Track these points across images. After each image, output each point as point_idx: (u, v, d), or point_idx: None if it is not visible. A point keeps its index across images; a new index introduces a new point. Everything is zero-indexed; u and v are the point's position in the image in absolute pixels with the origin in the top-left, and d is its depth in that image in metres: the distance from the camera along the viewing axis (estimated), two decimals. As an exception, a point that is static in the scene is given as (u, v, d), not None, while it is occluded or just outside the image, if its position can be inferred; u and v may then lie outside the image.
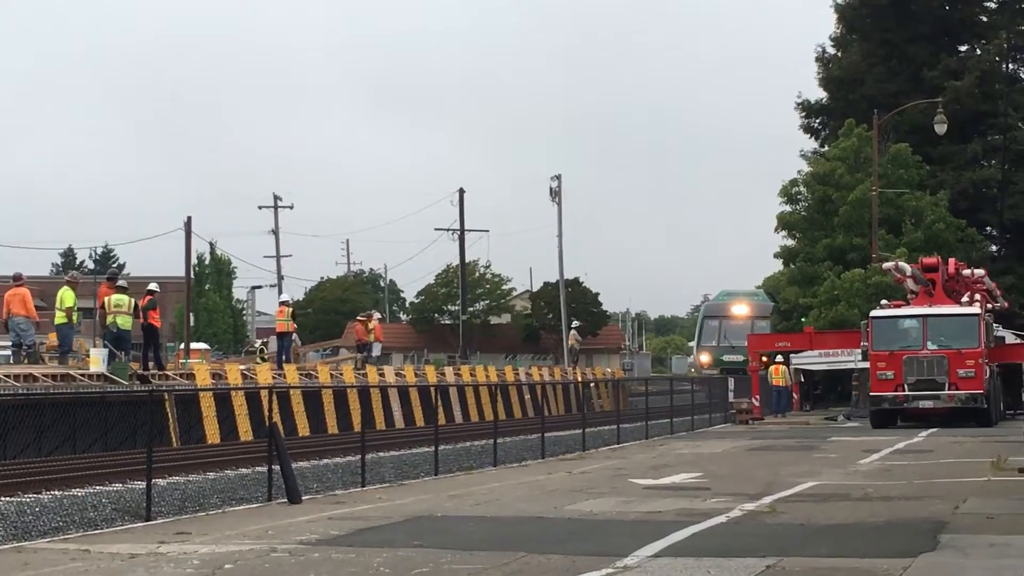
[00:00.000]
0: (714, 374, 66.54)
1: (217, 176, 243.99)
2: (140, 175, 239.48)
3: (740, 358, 69.74)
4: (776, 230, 70.16)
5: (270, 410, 22.97)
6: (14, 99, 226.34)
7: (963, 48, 77.97)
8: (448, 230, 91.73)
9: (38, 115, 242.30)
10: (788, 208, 69.86)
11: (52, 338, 40.68)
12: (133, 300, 38.69)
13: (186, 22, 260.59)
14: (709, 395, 52.69)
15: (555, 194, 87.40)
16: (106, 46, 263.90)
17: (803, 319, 67.64)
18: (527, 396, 61.53)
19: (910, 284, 49.37)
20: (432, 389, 38.12)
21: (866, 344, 46.38)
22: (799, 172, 72.75)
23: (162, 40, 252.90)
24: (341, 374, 48.67)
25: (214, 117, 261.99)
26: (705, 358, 74.24)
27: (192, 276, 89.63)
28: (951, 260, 52.31)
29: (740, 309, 74.65)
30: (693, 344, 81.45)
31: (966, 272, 52.81)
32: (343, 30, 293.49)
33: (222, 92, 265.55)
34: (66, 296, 37.25)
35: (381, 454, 32.51)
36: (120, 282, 39.80)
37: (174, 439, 35.00)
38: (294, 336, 54.18)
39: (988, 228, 75.14)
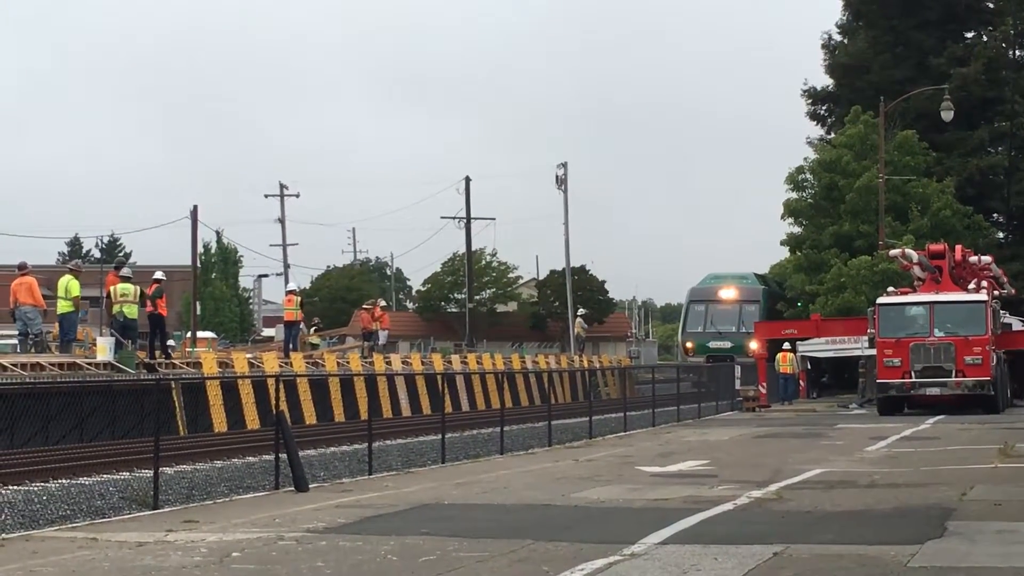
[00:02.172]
0: (700, 362, 65.29)
1: (223, 165, 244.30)
2: (146, 164, 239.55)
3: (727, 344, 68.76)
4: (783, 217, 70.11)
5: (277, 398, 22.98)
6: (21, 91, 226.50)
7: (969, 35, 77.76)
8: (454, 218, 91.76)
9: (45, 106, 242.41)
10: (795, 195, 69.73)
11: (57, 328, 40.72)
12: (139, 289, 38.75)
13: (195, 12, 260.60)
14: (715, 383, 52.67)
15: (561, 182, 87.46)
16: (114, 37, 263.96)
17: (799, 304, 67.52)
18: (533, 384, 61.57)
19: (917, 271, 49.33)
20: (438, 377, 38.18)
21: (873, 331, 46.35)
22: (805, 159, 72.54)
23: (170, 31, 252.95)
24: (348, 362, 48.70)
25: (220, 106, 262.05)
26: (691, 345, 71.70)
27: (198, 265, 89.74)
28: (958, 247, 52.26)
29: (728, 293, 72.02)
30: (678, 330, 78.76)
31: (973, 259, 52.77)
32: (351, 21, 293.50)
33: (229, 82, 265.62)
34: (72, 285, 37.31)
35: (388, 442, 32.58)
36: (125, 271, 39.82)
37: (181, 427, 35.07)
38: (301, 325, 54.35)
39: (995, 215, 75.04)
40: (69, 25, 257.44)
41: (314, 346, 63.52)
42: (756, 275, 76.53)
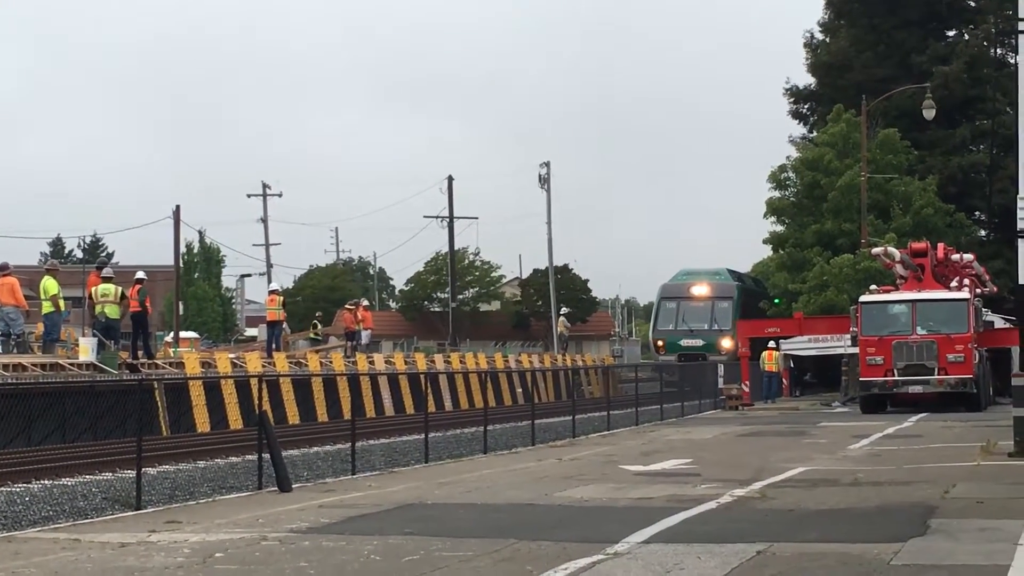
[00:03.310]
0: (671, 360, 64.52)
1: (206, 165, 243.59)
2: (129, 164, 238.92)
3: (700, 342, 67.79)
4: (765, 216, 70.17)
5: (260, 398, 22.95)
6: (6, 91, 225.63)
7: (951, 33, 77.95)
8: (437, 218, 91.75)
9: (27, 107, 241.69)
10: (777, 194, 69.84)
11: (39, 328, 40.64)
12: (120, 289, 38.66)
13: (178, 14, 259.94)
14: (698, 381, 52.71)
15: (544, 181, 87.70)
16: (99, 37, 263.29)
17: (776, 301, 67.52)
18: (517, 383, 61.57)
19: (899, 269, 49.44)
20: (422, 377, 38.21)
21: (855, 329, 46.46)
22: (788, 158, 72.78)
23: (154, 32, 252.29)
24: (331, 362, 48.66)
25: (202, 106, 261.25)
26: (662, 343, 70.14)
27: (181, 265, 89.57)
28: (940, 245, 52.38)
29: (700, 290, 70.47)
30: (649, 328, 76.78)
31: (955, 257, 52.90)
32: (336, 21, 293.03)
33: (213, 82, 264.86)
34: (49, 285, 37.25)
35: (371, 442, 32.54)
36: (106, 272, 39.74)
37: (164, 428, 35.00)
38: (285, 325, 54.35)
39: (977, 213, 75.14)
40: (52, 24, 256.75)
41: (316, 340, 63.74)
42: (730, 271, 75.63)
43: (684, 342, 68.87)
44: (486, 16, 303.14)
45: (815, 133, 75.43)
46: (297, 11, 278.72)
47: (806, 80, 79.80)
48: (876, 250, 51.44)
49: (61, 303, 38.17)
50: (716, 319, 68.50)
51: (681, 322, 70.02)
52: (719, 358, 62.09)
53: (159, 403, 35.09)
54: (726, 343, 65.85)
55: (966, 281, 50.23)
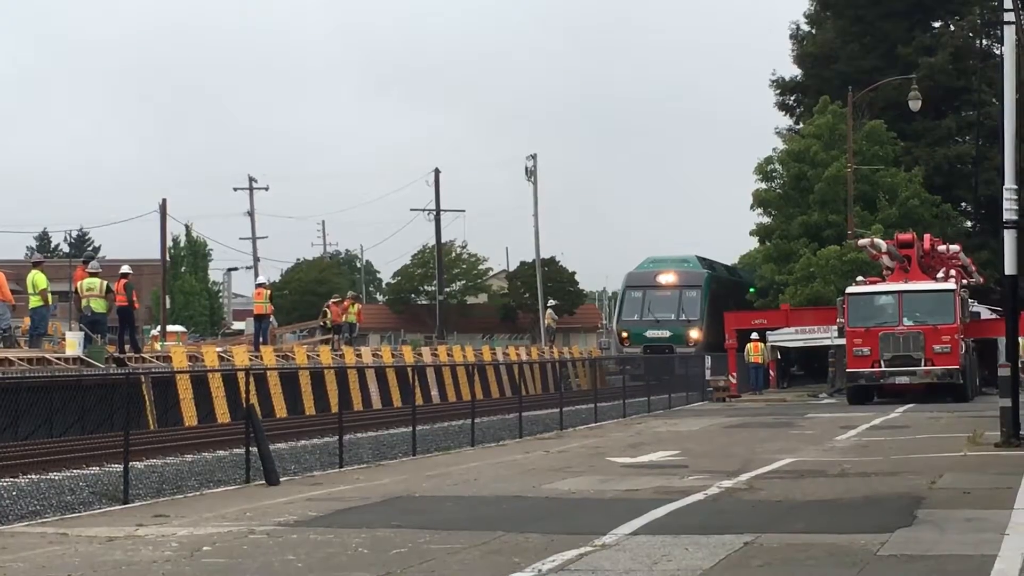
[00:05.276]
0: (636, 352, 63.26)
1: (192, 159, 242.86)
2: (116, 158, 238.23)
3: (666, 333, 65.82)
4: (752, 207, 70.17)
5: (247, 392, 22.92)
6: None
7: (937, 24, 78.05)
8: (424, 210, 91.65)
9: (12, 101, 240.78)
10: (764, 185, 69.83)
11: (26, 322, 40.57)
12: (105, 283, 38.59)
13: (163, 10, 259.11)
14: (686, 373, 52.73)
15: (531, 173, 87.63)
16: (85, 30, 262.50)
17: (752, 290, 67.42)
18: (504, 376, 61.56)
19: (886, 260, 49.51)
20: (409, 369, 38.14)
21: (842, 320, 46.51)
22: (774, 150, 72.74)
23: (142, 24, 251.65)
24: (318, 355, 48.63)
25: (189, 100, 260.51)
26: (626, 334, 67.62)
27: (168, 259, 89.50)
28: (926, 236, 52.42)
29: (666, 278, 68.20)
30: (614, 319, 73.86)
31: (941, 248, 52.96)
32: (324, 14, 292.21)
33: (201, 75, 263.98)
34: (38, 279, 37.17)
35: (359, 435, 32.53)
36: (92, 266, 39.64)
37: (151, 422, 34.93)
38: (272, 318, 54.26)
39: (963, 204, 75.23)
40: (36, 19, 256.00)
41: (327, 329, 63.67)
42: (699, 258, 73.25)
43: (650, 333, 66.53)
44: (473, 7, 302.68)
45: (801, 125, 75.42)
46: (284, 4, 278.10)
47: (792, 72, 79.89)
48: (862, 241, 51.51)
49: (49, 297, 38.12)
50: (683, 309, 66.54)
51: (647, 312, 67.63)
52: (686, 350, 61.42)
53: (146, 397, 35.01)
54: (694, 334, 65.28)
55: (952, 272, 50.28)
